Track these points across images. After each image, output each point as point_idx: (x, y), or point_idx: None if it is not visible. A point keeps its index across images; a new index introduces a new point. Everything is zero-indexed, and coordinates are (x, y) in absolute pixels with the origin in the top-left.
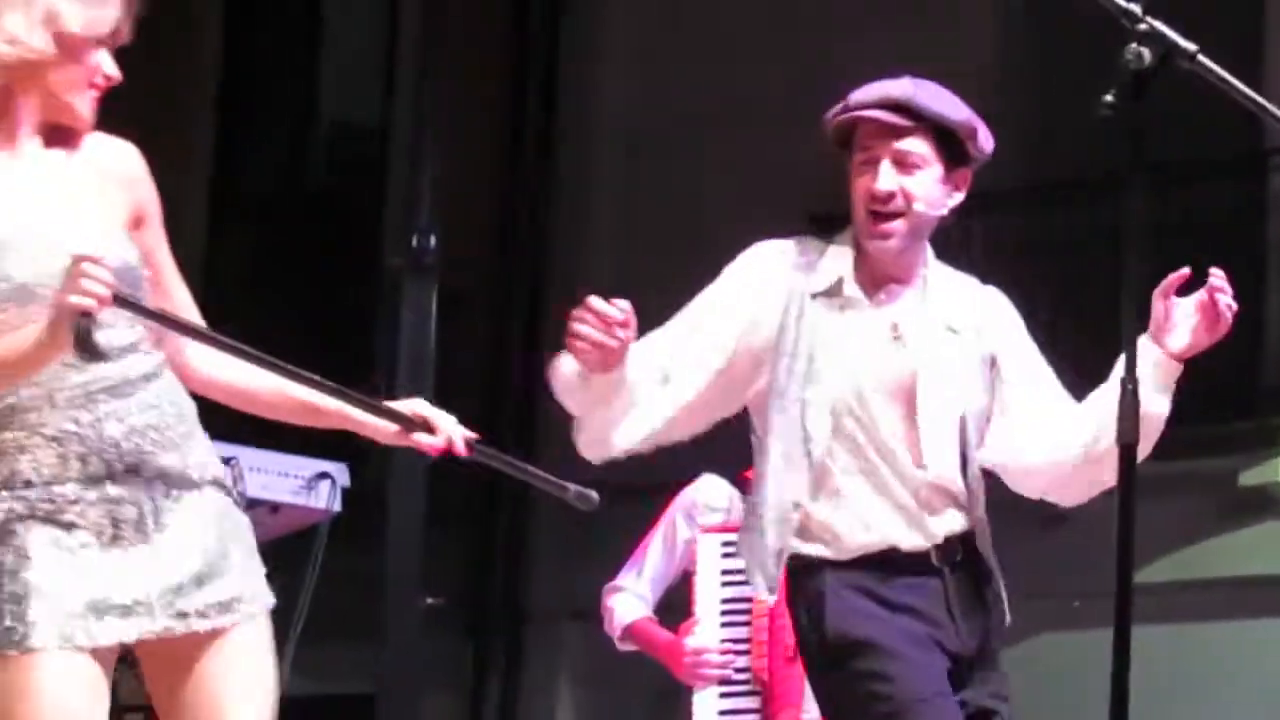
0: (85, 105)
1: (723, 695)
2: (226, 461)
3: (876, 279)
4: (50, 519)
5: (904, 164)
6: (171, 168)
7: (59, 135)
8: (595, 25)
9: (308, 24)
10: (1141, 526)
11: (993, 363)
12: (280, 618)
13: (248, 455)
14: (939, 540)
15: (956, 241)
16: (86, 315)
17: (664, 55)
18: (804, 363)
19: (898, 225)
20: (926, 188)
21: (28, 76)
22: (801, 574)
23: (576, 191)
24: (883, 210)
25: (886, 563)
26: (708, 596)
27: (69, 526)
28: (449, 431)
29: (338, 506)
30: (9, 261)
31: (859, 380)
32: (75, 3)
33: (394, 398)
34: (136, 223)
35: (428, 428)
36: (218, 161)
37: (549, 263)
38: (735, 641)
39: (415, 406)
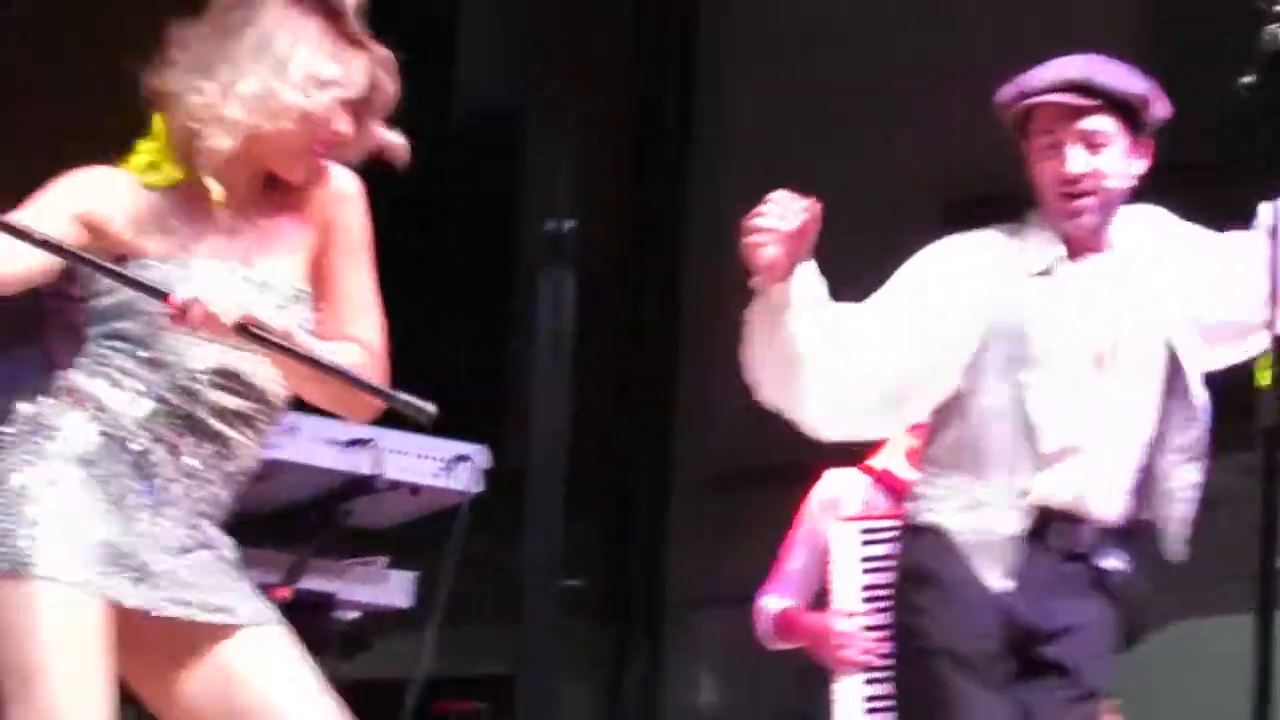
0: (304, 167)
1: (867, 682)
2: (366, 443)
3: (1074, 254)
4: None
5: (1091, 143)
6: None
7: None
8: (731, 13)
9: (444, 9)
10: None
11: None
12: (423, 599)
13: (388, 437)
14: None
15: None
16: None
17: (799, 45)
18: (1021, 346)
19: (1090, 203)
20: (1114, 163)
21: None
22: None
23: (711, 179)
24: (1074, 191)
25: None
26: (848, 584)
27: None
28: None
29: (477, 488)
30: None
31: (1073, 357)
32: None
33: (532, 384)
34: (325, 252)
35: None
36: None
37: (685, 249)
38: (877, 628)
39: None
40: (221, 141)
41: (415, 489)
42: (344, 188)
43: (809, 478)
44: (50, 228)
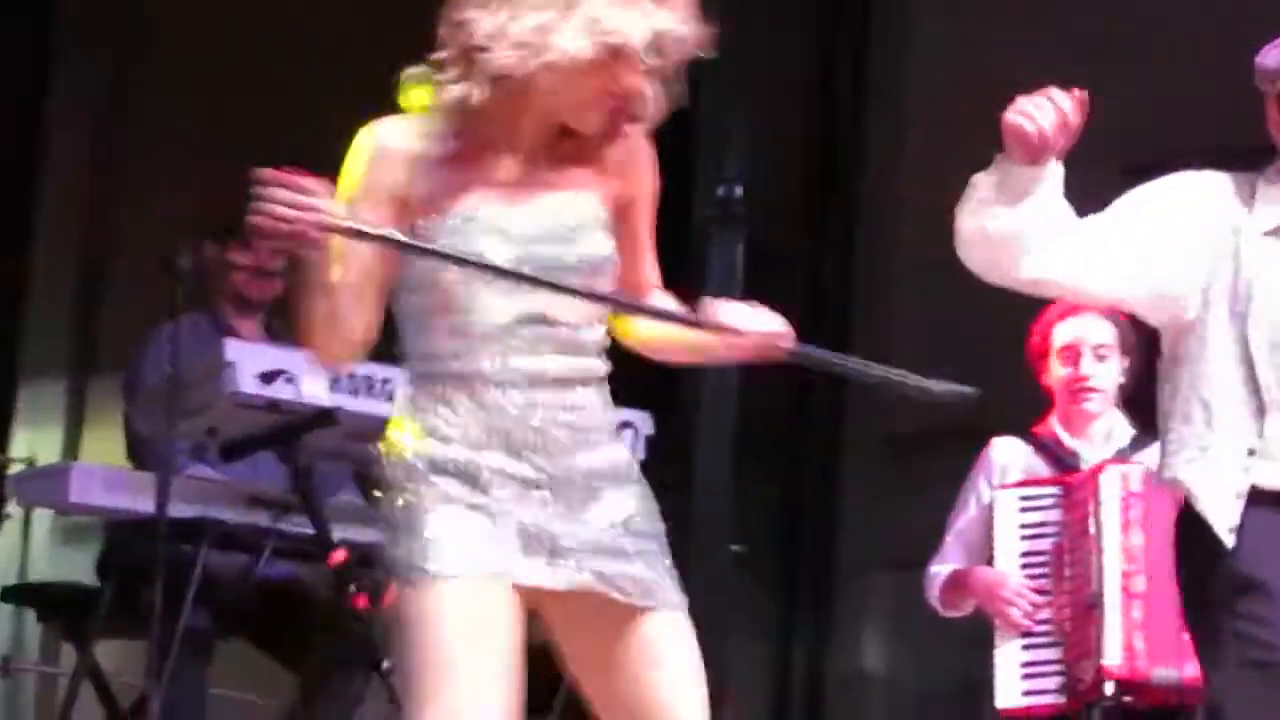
0: (596, 120)
1: (1025, 647)
2: None
3: None
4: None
5: None
6: None
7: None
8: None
9: None
10: None
11: None
12: None
13: None
14: None
15: None
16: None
17: (975, 11)
18: (1244, 303)
19: None
20: None
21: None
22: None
23: (888, 142)
24: None
25: None
26: (1008, 550)
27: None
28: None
29: (642, 455)
30: (480, 243)
31: None
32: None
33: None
34: (626, 210)
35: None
36: None
37: (860, 213)
38: (1036, 594)
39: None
40: (505, 60)
41: None
42: (643, 145)
43: (978, 443)
44: (374, 211)
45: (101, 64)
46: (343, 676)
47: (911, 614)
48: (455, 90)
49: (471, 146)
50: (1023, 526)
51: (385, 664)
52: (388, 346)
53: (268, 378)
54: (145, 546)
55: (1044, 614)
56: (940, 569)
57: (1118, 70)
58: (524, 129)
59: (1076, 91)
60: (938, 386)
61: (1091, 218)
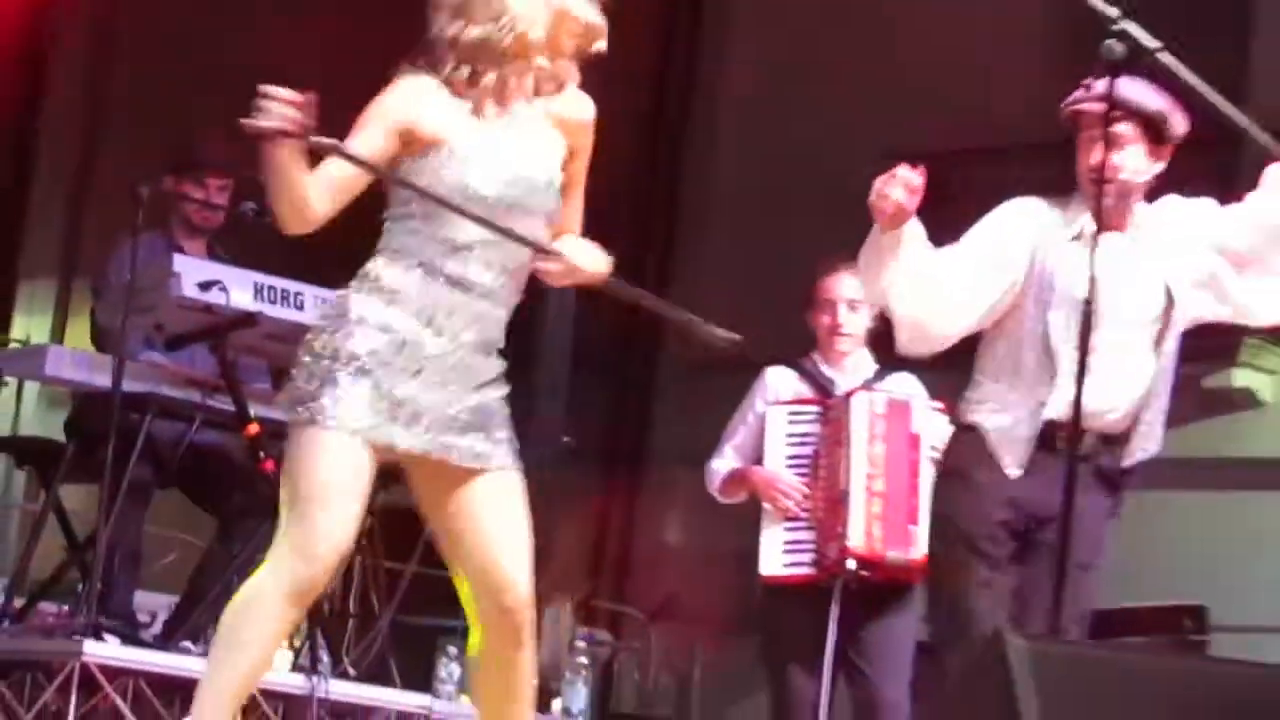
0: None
1: (786, 529)
2: None
3: (1102, 228)
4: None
5: (1115, 144)
6: None
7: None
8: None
9: None
10: None
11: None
12: None
13: None
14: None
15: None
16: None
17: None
18: (1047, 292)
19: (1109, 189)
20: (1133, 160)
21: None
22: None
23: (705, 134)
24: (1097, 178)
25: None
26: (775, 454)
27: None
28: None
29: None
30: (472, 176)
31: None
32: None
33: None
34: (571, 156)
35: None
36: None
37: (682, 178)
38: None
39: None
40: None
41: None
42: (587, 105)
43: (757, 369)
44: (371, 143)
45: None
46: (252, 523)
47: (701, 499)
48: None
49: (465, 99)
50: (789, 436)
51: None
52: (301, 265)
53: (205, 286)
54: (102, 413)
55: (807, 503)
56: (720, 466)
57: (882, 72)
58: (507, 85)
59: (920, 169)
60: (718, 332)
61: (942, 259)
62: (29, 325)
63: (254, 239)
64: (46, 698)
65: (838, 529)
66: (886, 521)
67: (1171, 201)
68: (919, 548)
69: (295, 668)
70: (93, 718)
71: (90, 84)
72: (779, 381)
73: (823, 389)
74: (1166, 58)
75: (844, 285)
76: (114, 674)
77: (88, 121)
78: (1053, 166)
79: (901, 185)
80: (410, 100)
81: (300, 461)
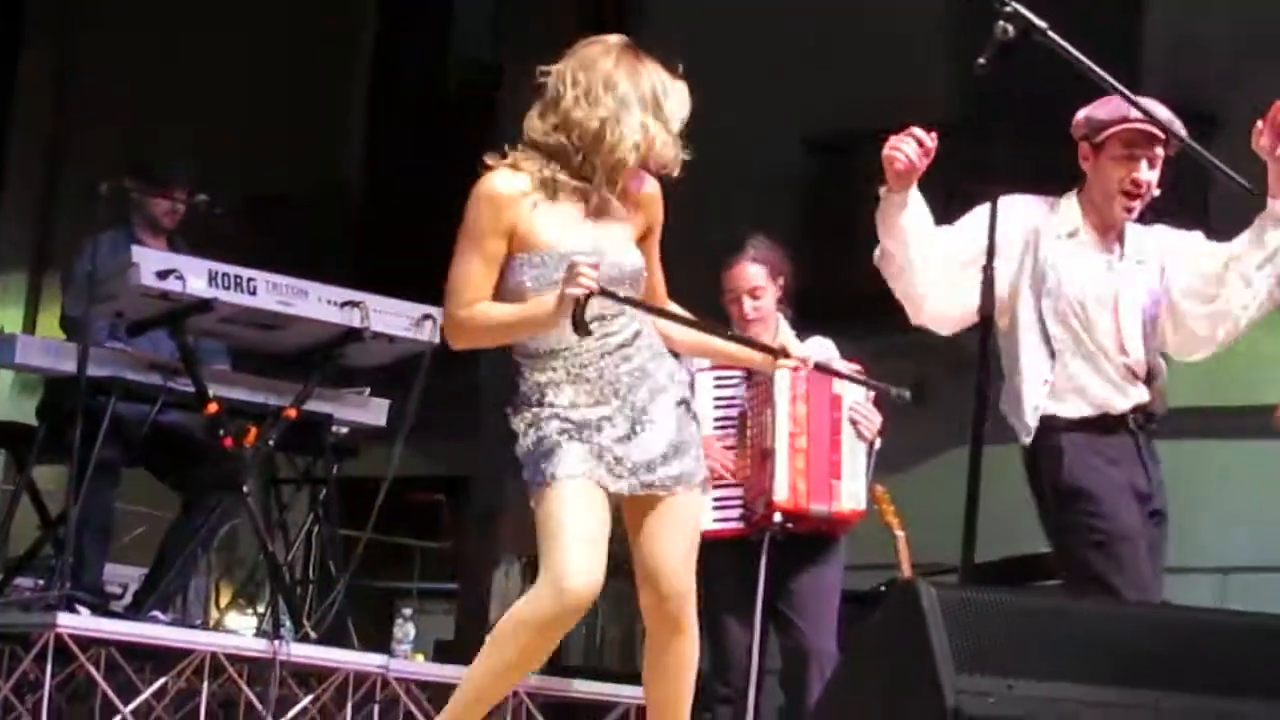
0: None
1: (715, 487)
2: (357, 304)
3: (1094, 228)
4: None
5: (1153, 163)
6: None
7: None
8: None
9: None
10: None
11: (1162, 274)
12: (394, 419)
13: (374, 300)
14: (1133, 407)
15: None
16: (579, 300)
17: (706, 10)
18: (1041, 283)
19: (1140, 203)
20: (1156, 178)
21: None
22: (1044, 431)
23: None
24: (1137, 192)
25: (1101, 425)
26: (705, 416)
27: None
28: (801, 355)
29: (437, 339)
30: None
31: (1083, 294)
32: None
33: None
34: (644, 237)
35: (785, 354)
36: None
37: None
38: (725, 448)
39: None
40: (629, 156)
41: (392, 339)
42: (653, 186)
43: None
44: (493, 248)
45: (63, 41)
46: (214, 496)
47: None
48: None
49: (555, 195)
50: (715, 399)
51: (245, 488)
52: (253, 254)
53: (162, 275)
54: (70, 396)
55: (729, 462)
56: None
57: (808, 58)
58: (592, 182)
59: (933, 133)
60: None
61: (944, 240)
62: (2, 317)
63: (208, 229)
64: (24, 667)
65: (764, 484)
66: (810, 476)
67: (1162, 228)
68: (841, 501)
69: (259, 632)
70: (69, 686)
71: (57, 88)
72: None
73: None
74: (1052, 37)
75: (744, 277)
76: (87, 643)
77: (55, 125)
78: (961, 145)
79: (915, 141)
80: (505, 195)
81: None
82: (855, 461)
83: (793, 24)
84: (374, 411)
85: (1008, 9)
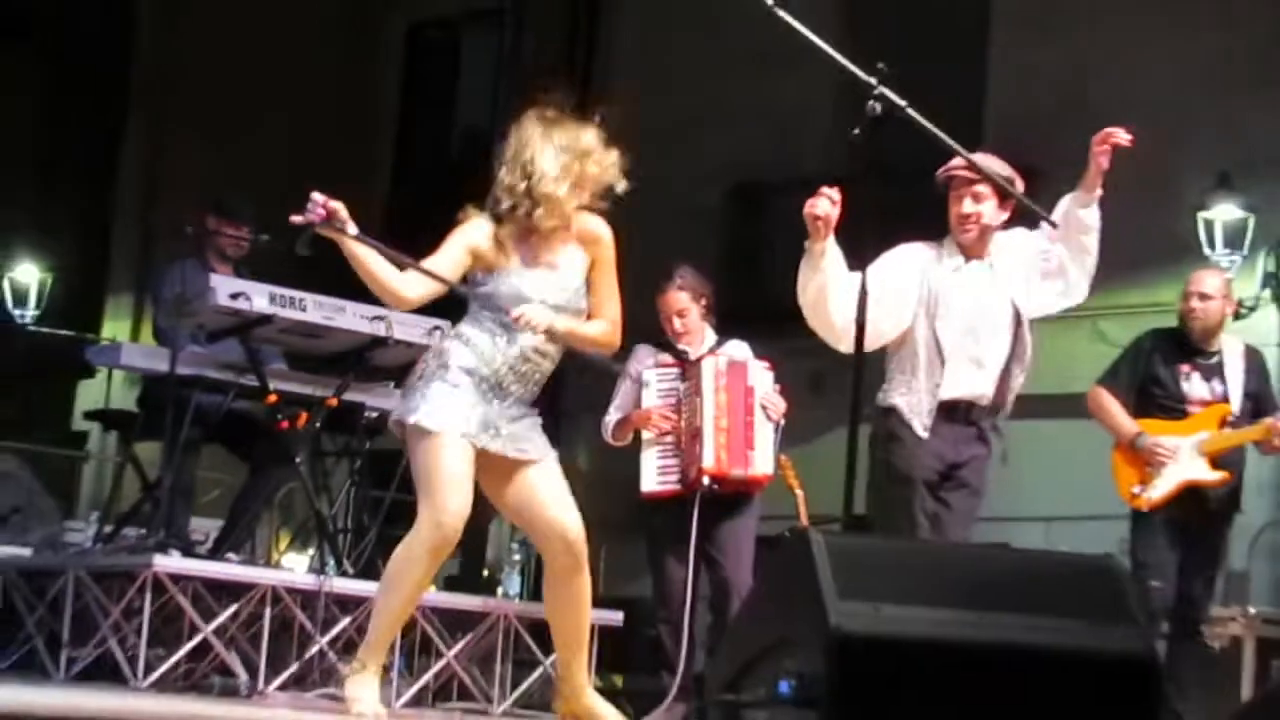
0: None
1: (658, 457)
2: (383, 318)
3: (968, 259)
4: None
5: (976, 198)
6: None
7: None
8: (608, 74)
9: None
10: None
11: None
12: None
13: (395, 315)
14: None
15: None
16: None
17: (656, 85)
18: (933, 308)
19: (972, 229)
20: (988, 210)
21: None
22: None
23: None
24: (965, 223)
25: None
26: (650, 403)
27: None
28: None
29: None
30: (525, 286)
31: (967, 311)
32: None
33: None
34: (592, 267)
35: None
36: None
37: None
38: (666, 419)
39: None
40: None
41: (410, 344)
42: (601, 230)
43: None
44: (453, 257)
45: (161, 107)
46: (273, 468)
47: (602, 440)
48: (506, 207)
49: (513, 233)
50: (659, 390)
51: (297, 459)
52: (302, 279)
53: (234, 296)
54: (163, 390)
55: (670, 439)
56: (610, 418)
57: (726, 112)
58: (542, 225)
59: (835, 191)
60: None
61: (856, 281)
62: (115, 328)
63: (269, 260)
64: (129, 596)
65: (696, 455)
66: (731, 448)
67: (1016, 231)
68: (755, 467)
69: (309, 570)
70: (163, 611)
71: (154, 146)
72: (645, 353)
73: (680, 356)
74: (912, 114)
75: (672, 302)
76: (177, 579)
77: (151, 177)
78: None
79: (826, 199)
80: (479, 231)
81: None
82: (765, 437)
83: (711, 91)
84: (396, 400)
85: (877, 91)
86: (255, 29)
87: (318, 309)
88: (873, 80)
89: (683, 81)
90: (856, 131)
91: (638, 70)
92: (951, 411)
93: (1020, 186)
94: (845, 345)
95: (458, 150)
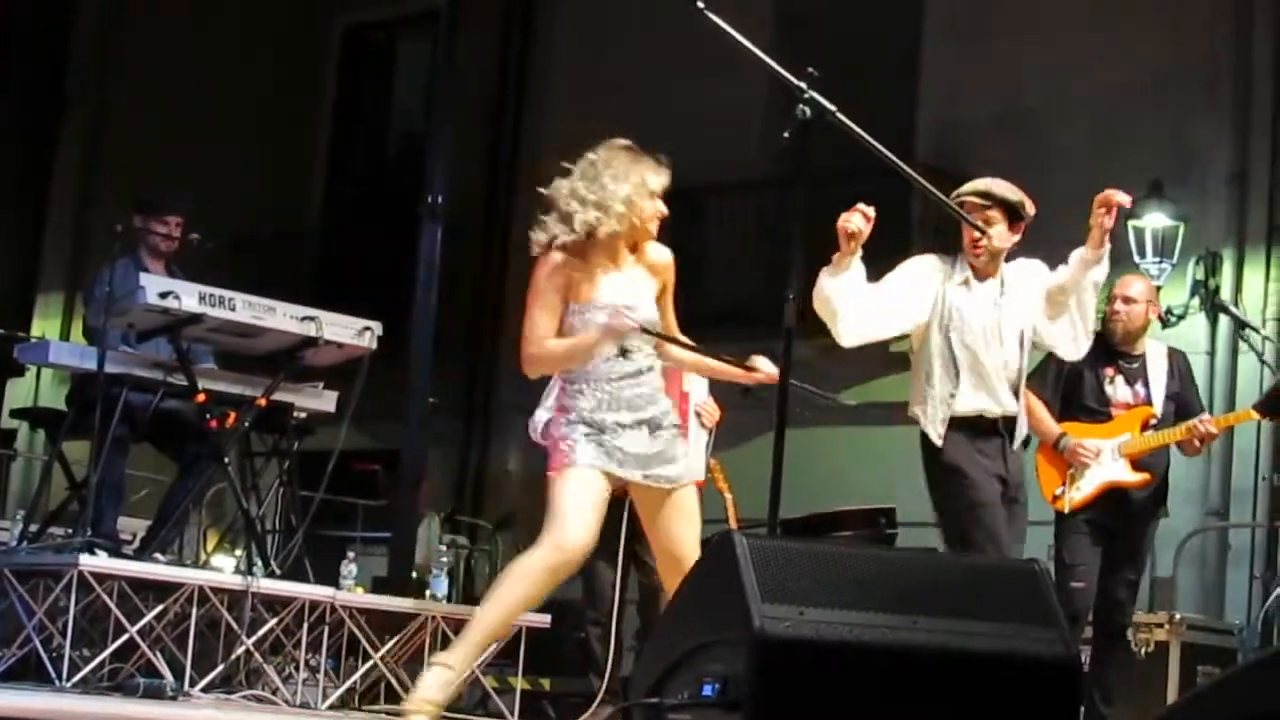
0: (653, 230)
1: None
2: (313, 318)
3: (979, 277)
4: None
5: (986, 221)
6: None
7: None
8: (544, 78)
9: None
10: None
11: (1027, 300)
12: (341, 407)
13: (326, 315)
14: (1004, 415)
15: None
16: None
17: (591, 90)
18: (947, 320)
19: (981, 251)
20: (998, 234)
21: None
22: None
23: (533, 168)
24: (975, 247)
25: (978, 426)
26: None
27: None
28: (766, 370)
29: (375, 346)
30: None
31: (977, 327)
32: (658, 176)
33: (417, 290)
34: (661, 292)
35: (753, 369)
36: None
37: (514, 216)
38: None
39: (752, 360)
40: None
41: (340, 345)
42: (667, 255)
43: None
44: (555, 304)
45: (97, 105)
46: (202, 465)
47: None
48: (579, 229)
49: (591, 262)
50: None
51: (226, 459)
52: (230, 279)
53: (164, 295)
54: (92, 388)
55: None
56: (539, 417)
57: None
58: (618, 250)
59: (871, 209)
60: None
61: (869, 292)
62: (45, 327)
63: (200, 261)
64: (54, 596)
65: None
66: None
67: (1021, 261)
68: None
69: (236, 570)
70: (89, 611)
71: (88, 146)
72: None
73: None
74: (840, 118)
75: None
76: (103, 578)
77: (85, 176)
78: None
79: (860, 215)
80: (563, 270)
81: None
82: (698, 443)
83: (651, 100)
84: (325, 400)
85: (806, 95)
86: (194, 29)
87: (248, 309)
88: (802, 84)
89: (619, 87)
90: (786, 135)
91: (574, 77)
92: (983, 427)
93: (1030, 210)
94: (843, 341)
95: (393, 150)
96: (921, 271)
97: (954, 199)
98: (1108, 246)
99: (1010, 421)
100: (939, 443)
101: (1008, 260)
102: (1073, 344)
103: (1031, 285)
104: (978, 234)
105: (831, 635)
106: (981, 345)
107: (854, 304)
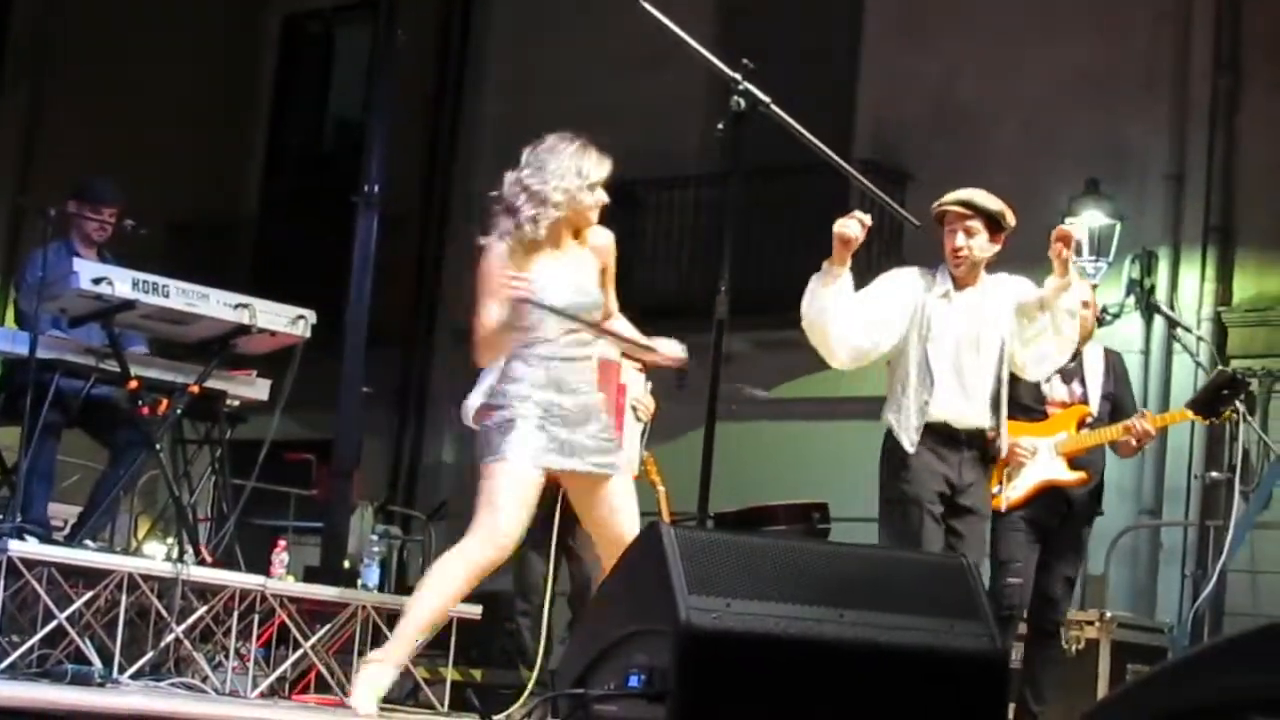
0: (594, 218)
1: None
2: (247, 305)
3: (959, 288)
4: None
5: (967, 232)
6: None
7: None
8: (483, 68)
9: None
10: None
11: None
12: (274, 395)
13: (259, 303)
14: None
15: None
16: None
17: (529, 81)
18: (925, 330)
19: (962, 261)
20: (978, 244)
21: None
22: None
23: (470, 159)
24: (956, 256)
25: (943, 431)
26: None
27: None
28: (665, 352)
29: (308, 334)
30: (550, 295)
31: (956, 338)
32: (598, 167)
33: (352, 278)
34: (602, 274)
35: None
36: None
37: (451, 206)
38: None
39: (656, 341)
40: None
41: (273, 333)
42: (608, 237)
43: None
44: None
45: (33, 89)
46: (134, 451)
47: (466, 430)
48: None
49: (536, 249)
50: None
51: (158, 446)
52: (168, 265)
53: (96, 281)
54: (23, 373)
55: None
56: (472, 401)
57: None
58: (560, 236)
59: (867, 216)
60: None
61: (853, 304)
62: None
63: (134, 247)
64: None
65: None
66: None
67: (1001, 276)
68: None
69: (167, 558)
70: (18, 597)
71: (25, 129)
72: None
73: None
74: (775, 109)
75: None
76: (33, 564)
77: (20, 163)
78: (711, 192)
79: (857, 222)
80: (509, 259)
81: None
82: (633, 435)
83: (590, 92)
84: (259, 389)
85: (741, 87)
86: (133, 14)
87: (181, 295)
88: (737, 75)
89: (557, 78)
90: (720, 127)
91: (511, 66)
92: (947, 434)
93: (1011, 220)
94: (835, 363)
95: (330, 140)
96: (903, 283)
97: (936, 208)
98: (1074, 272)
99: (976, 436)
100: (910, 449)
101: (988, 270)
102: (1037, 366)
103: (1013, 296)
104: (958, 243)
105: (758, 627)
106: (959, 356)
107: (843, 323)
